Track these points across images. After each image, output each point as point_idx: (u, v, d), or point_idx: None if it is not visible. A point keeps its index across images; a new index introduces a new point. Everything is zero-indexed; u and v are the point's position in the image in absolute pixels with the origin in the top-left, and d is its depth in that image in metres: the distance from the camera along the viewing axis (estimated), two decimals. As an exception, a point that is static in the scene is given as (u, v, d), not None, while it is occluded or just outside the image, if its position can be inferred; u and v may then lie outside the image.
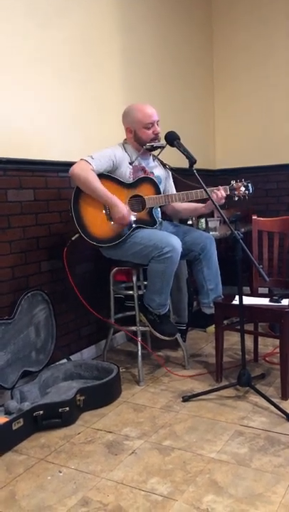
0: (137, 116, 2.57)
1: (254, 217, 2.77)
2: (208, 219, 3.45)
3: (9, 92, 2.43)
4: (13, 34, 2.43)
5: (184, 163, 2.40)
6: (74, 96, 2.85)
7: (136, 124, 2.57)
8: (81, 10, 2.87)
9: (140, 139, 2.59)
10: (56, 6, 2.69)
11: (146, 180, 2.61)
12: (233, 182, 2.60)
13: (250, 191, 2.59)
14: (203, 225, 3.48)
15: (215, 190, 2.55)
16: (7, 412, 2.15)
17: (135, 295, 2.64)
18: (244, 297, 2.37)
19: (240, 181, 2.59)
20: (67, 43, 2.78)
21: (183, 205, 2.82)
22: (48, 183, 2.67)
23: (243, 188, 2.58)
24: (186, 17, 4.05)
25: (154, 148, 2.63)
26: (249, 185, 2.59)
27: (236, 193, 2.59)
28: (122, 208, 2.46)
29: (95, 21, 2.99)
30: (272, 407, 2.19)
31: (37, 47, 2.58)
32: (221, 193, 2.54)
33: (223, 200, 2.54)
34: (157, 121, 2.60)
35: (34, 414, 2.10)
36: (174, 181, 2.89)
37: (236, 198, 2.60)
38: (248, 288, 3.87)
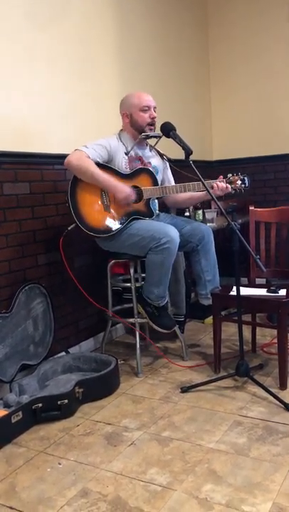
0: (133, 100, 2.57)
1: (251, 207, 2.76)
2: (205, 210, 3.44)
3: (4, 86, 2.41)
4: (9, 28, 2.40)
5: (181, 154, 2.39)
6: (70, 90, 2.82)
7: (132, 107, 2.57)
8: (78, 4, 2.84)
9: (136, 122, 2.58)
10: (54, 1, 2.66)
11: (144, 171, 2.60)
12: (229, 175, 2.60)
13: (247, 185, 2.59)
14: (201, 217, 3.47)
15: (217, 182, 2.54)
16: (6, 405, 2.16)
17: (133, 287, 2.64)
18: (242, 288, 2.37)
19: (237, 174, 2.59)
20: (63, 36, 2.75)
21: (182, 194, 2.80)
22: (44, 176, 2.66)
23: (239, 182, 2.58)
24: (181, 8, 4.01)
25: (149, 138, 2.62)
26: (245, 178, 2.59)
27: (233, 186, 2.59)
28: (123, 187, 2.45)
29: (91, 17, 2.96)
30: (270, 397, 2.20)
31: (33, 40, 2.55)
32: (222, 184, 2.53)
33: (225, 191, 2.53)
34: (154, 107, 2.59)
35: (33, 407, 2.10)
36: (173, 172, 2.88)
37: (233, 192, 2.60)
38: (246, 279, 3.87)
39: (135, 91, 2.64)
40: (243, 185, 2.59)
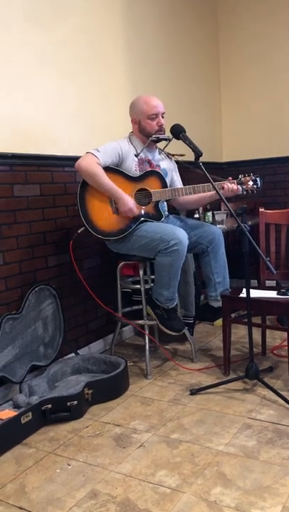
0: (142, 106, 2.56)
1: (261, 209, 2.75)
2: (215, 212, 3.44)
3: (14, 88, 2.43)
4: (17, 31, 2.42)
5: (190, 156, 2.38)
6: (79, 90, 2.84)
7: (140, 114, 2.57)
8: (85, 3, 2.86)
9: (144, 129, 2.58)
10: (62, 1, 2.68)
11: (153, 173, 2.60)
12: (241, 176, 2.58)
13: (259, 185, 2.56)
14: (210, 218, 3.47)
15: (227, 183, 2.53)
16: (16, 406, 2.17)
17: (142, 289, 2.64)
18: (251, 290, 2.36)
19: (249, 175, 2.57)
20: (71, 37, 2.76)
21: (190, 196, 2.79)
22: (54, 178, 2.67)
23: (251, 183, 2.56)
24: (191, 7, 4.02)
25: (159, 141, 2.62)
26: (257, 179, 2.56)
27: (244, 187, 2.57)
28: (128, 200, 2.46)
29: (98, 15, 2.98)
30: (280, 400, 2.18)
31: (41, 43, 2.57)
32: (232, 186, 2.52)
33: (235, 192, 2.52)
34: (162, 114, 2.59)
35: (43, 408, 2.11)
36: (181, 171, 2.87)
37: (244, 193, 2.58)
38: (256, 281, 3.86)
39: (144, 95, 2.64)
40: (254, 186, 2.56)
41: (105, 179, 2.43)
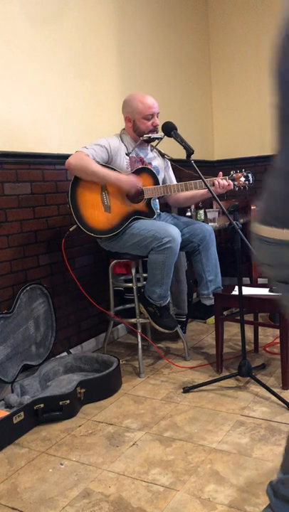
0: (138, 106, 2.55)
1: (253, 207, 2.75)
2: (206, 210, 3.44)
3: (5, 86, 2.41)
4: (9, 28, 2.41)
5: (182, 154, 2.38)
6: (70, 88, 2.82)
7: (136, 113, 2.56)
8: (77, 2, 2.84)
9: (139, 128, 2.57)
10: (53, 1, 2.66)
11: (145, 170, 2.59)
12: (232, 172, 2.58)
13: (251, 181, 2.57)
14: (202, 216, 3.47)
15: (218, 179, 2.53)
16: (8, 406, 2.16)
17: (134, 287, 2.63)
18: (244, 288, 2.37)
19: (241, 171, 2.58)
20: (62, 36, 2.75)
21: (184, 193, 2.79)
22: (45, 176, 2.66)
23: (243, 179, 2.56)
24: (182, 8, 4.01)
25: (151, 140, 2.62)
26: (249, 175, 2.57)
27: (236, 183, 2.57)
28: (126, 177, 2.46)
29: (90, 15, 2.96)
30: (273, 397, 2.19)
31: (33, 41, 2.55)
32: (223, 182, 2.52)
33: (227, 189, 2.52)
34: (157, 114, 2.59)
35: (35, 408, 2.10)
36: (173, 171, 2.87)
37: (236, 189, 2.59)
38: (248, 279, 3.87)
39: (138, 93, 2.62)
40: (246, 182, 2.57)
41: (97, 166, 2.43)
